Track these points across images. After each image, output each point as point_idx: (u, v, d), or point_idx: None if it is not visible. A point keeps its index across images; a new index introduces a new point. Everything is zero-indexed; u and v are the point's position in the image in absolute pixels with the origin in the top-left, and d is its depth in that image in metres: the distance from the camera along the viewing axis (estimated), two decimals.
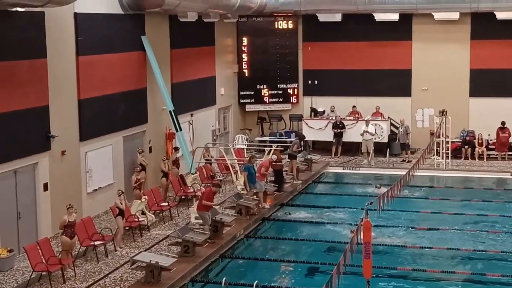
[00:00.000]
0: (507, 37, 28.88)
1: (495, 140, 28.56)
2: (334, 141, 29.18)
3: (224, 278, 14.91)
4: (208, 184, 23.12)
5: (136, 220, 18.80)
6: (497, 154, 28.42)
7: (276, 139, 29.16)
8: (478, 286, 16.03)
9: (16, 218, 17.35)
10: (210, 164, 25.03)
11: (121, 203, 17.95)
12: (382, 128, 28.79)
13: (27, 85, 17.48)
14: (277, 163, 22.92)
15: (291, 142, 26.15)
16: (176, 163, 23.38)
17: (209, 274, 16.72)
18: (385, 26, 29.72)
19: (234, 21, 28.99)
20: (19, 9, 16.62)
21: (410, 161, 27.24)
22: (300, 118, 30.45)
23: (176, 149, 23.77)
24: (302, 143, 26.19)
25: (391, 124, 29.53)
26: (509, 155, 28.21)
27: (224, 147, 26.79)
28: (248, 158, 22.49)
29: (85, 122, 19.89)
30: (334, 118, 29.40)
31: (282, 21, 31.17)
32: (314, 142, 30.31)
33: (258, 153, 26.27)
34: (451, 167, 27.10)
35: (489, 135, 28.73)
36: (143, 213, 19.46)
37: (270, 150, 24.67)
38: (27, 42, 17.51)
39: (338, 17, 30.01)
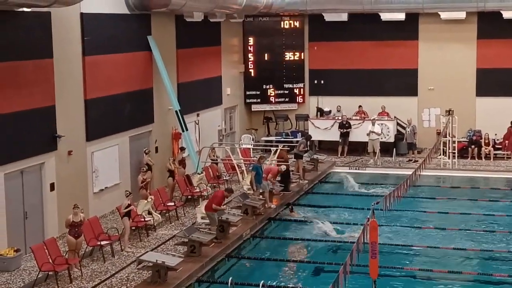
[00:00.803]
0: None
1: (502, 140, 28.47)
2: (340, 141, 29.13)
3: (230, 278, 14.90)
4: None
5: (143, 220, 18.80)
6: (504, 154, 28.29)
7: (282, 139, 29.16)
8: (485, 286, 15.98)
9: (23, 218, 17.37)
10: (216, 164, 25.03)
11: (126, 207, 17.78)
12: (388, 128, 28.72)
13: (34, 85, 17.50)
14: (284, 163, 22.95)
15: (297, 142, 26.14)
16: (182, 163, 23.38)
17: (215, 274, 16.71)
18: (391, 26, 29.65)
19: (240, 21, 28.97)
20: (25, 9, 16.64)
21: (417, 161, 27.18)
22: (306, 118, 30.41)
23: (182, 149, 23.77)
24: (308, 143, 26.16)
25: (398, 124, 29.47)
26: None
27: (230, 147, 26.77)
28: (256, 159, 22.48)
29: (92, 122, 19.91)
30: (340, 118, 29.35)
31: (288, 20, 31.14)
32: (320, 142, 30.26)
33: (264, 153, 26.26)
34: (457, 166, 27.04)
35: (495, 134, 28.64)
36: (149, 213, 19.45)
37: (276, 150, 24.67)
38: (33, 42, 17.52)
39: (344, 17, 29.95)
